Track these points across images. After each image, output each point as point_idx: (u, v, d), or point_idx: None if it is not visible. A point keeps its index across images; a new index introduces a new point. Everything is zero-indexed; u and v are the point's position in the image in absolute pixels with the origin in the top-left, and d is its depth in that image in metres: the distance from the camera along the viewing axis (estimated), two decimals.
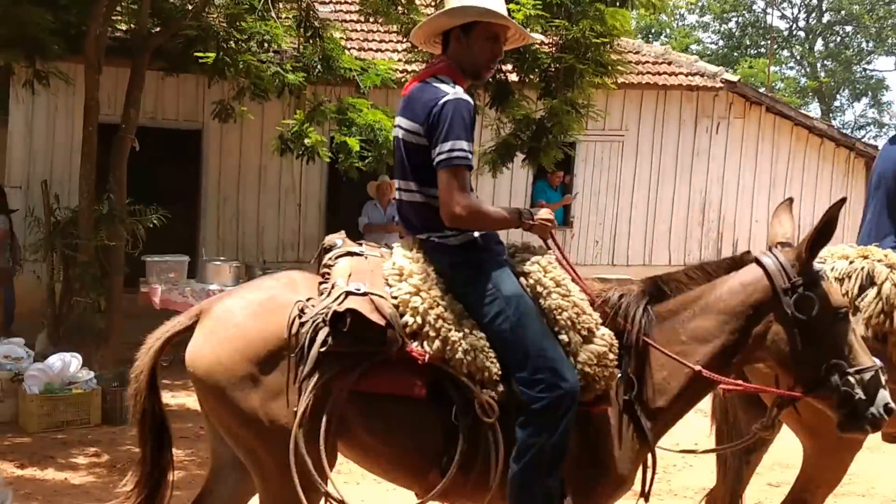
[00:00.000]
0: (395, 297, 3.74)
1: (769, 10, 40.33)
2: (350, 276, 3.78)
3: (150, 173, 12.12)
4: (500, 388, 3.66)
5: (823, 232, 3.87)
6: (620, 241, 14.12)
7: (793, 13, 42.81)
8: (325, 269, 3.93)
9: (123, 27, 11.39)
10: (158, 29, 10.75)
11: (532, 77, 10.32)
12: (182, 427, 8.85)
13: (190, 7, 10.62)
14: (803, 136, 15.54)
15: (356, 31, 13.57)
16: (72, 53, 10.08)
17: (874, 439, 5.35)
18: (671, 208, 14.90)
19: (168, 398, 9.66)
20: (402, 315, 3.69)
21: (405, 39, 10.59)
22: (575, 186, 14.51)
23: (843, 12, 40.61)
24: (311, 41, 10.31)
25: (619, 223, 14.67)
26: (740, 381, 4.23)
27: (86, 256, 9.72)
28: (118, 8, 10.63)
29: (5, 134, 12.39)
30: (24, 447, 8.00)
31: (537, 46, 10.17)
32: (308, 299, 3.72)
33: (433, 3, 10.63)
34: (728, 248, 15.01)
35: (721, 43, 43.81)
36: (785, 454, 8.38)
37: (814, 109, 39.63)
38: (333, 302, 3.64)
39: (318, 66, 10.08)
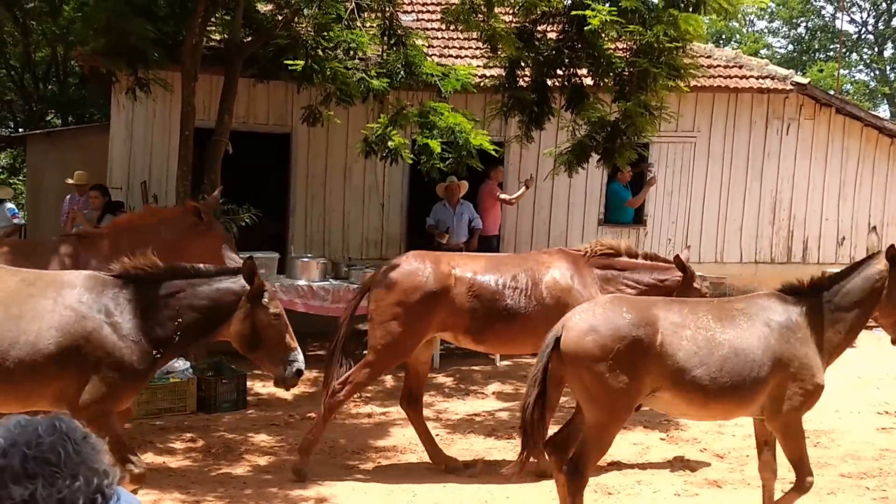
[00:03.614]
0: None
1: (838, 15, 39.79)
2: None
3: (243, 175, 12.58)
4: None
5: None
6: (692, 240, 14.13)
7: (862, 17, 42.19)
8: None
9: (217, 37, 11.78)
10: (250, 38, 11.11)
11: (606, 80, 10.39)
12: (272, 415, 9.26)
13: (280, 17, 10.95)
14: (873, 136, 15.43)
15: (437, 38, 13.72)
16: (169, 62, 10.51)
17: None
18: (742, 207, 14.89)
19: (259, 387, 10.13)
20: None
21: (484, 46, 10.73)
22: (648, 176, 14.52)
23: None
24: (394, 48, 10.43)
25: (692, 222, 14.71)
26: None
27: None
28: (213, 19, 11.04)
29: (107, 139, 12.96)
30: (125, 432, 8.46)
31: (611, 51, 10.40)
32: None
33: (512, 11, 10.88)
34: (798, 246, 15.07)
35: (790, 48, 43.32)
36: (856, 447, 8.58)
37: (883, 112, 38.99)
38: None
39: (401, 72, 10.19)
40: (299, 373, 5.81)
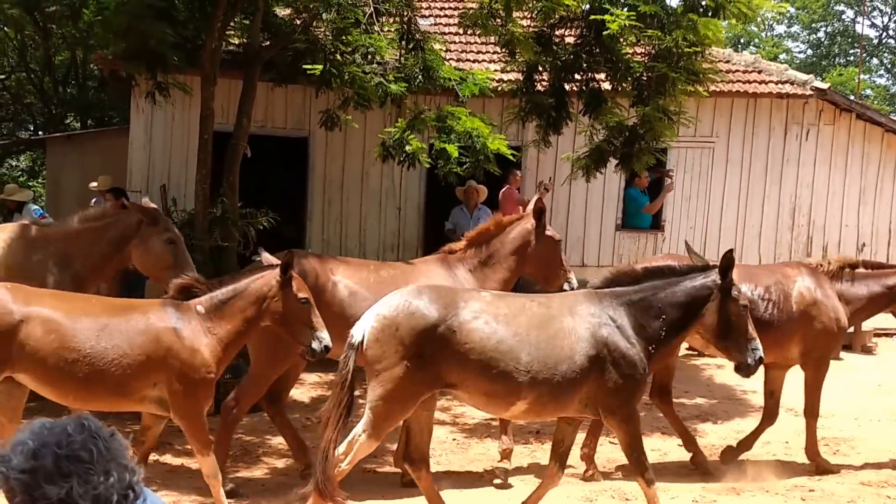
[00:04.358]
0: None
1: (859, 19, 39.66)
2: None
3: (261, 178, 12.63)
4: None
5: None
6: (711, 245, 14.10)
7: (883, 21, 42.02)
8: None
9: (236, 41, 11.86)
10: (269, 43, 11.12)
11: (625, 85, 10.34)
12: (290, 418, 9.21)
13: (299, 22, 11.00)
14: (895, 142, 15.36)
15: (455, 42, 13.77)
16: (188, 66, 10.47)
17: None
18: (761, 213, 14.82)
19: None
20: None
21: (502, 50, 10.70)
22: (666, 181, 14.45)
23: None
24: (412, 53, 10.35)
25: (710, 227, 14.67)
26: None
27: (200, 256, 9.90)
28: (231, 23, 11.04)
29: (126, 142, 13.04)
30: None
31: (630, 55, 10.37)
32: None
33: (530, 15, 10.87)
34: (818, 252, 14.96)
35: (810, 52, 43.16)
36: (877, 455, 8.53)
37: None
38: None
39: (419, 77, 10.10)
40: (761, 360, 6.23)
